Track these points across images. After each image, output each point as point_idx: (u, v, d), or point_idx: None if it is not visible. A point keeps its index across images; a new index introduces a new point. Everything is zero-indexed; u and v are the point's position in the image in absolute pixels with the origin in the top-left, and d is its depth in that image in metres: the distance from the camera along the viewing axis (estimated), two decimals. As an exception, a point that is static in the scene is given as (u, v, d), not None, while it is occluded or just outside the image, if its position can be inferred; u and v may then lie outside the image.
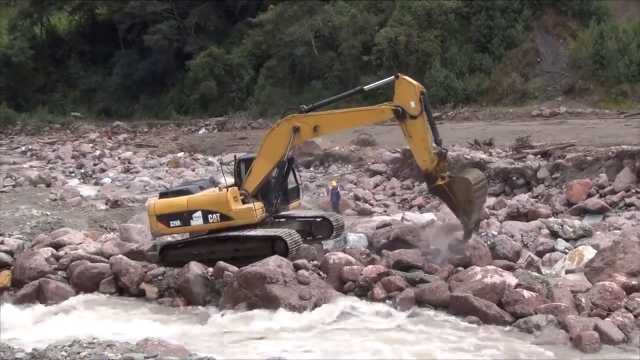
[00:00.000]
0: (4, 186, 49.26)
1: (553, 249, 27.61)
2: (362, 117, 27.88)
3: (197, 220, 26.25)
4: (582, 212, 33.25)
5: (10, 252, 28.61)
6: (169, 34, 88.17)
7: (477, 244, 25.18)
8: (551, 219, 30.84)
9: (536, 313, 20.66)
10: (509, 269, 23.80)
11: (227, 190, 26.31)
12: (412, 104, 24.67)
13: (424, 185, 41.70)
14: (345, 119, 27.47)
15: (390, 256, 24.77)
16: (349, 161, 51.95)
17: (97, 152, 70.29)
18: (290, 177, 27.85)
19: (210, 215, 26.16)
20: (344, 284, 23.78)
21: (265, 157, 26.48)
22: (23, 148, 78.03)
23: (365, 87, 27.72)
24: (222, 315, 23.21)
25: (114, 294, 25.94)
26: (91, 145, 75.37)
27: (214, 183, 28.37)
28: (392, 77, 25.69)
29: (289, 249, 25.01)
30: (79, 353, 14.31)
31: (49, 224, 32.60)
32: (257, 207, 26.12)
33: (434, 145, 24.98)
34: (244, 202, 26.26)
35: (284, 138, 26.18)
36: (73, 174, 61.34)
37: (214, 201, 26.35)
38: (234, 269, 24.31)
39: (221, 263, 24.74)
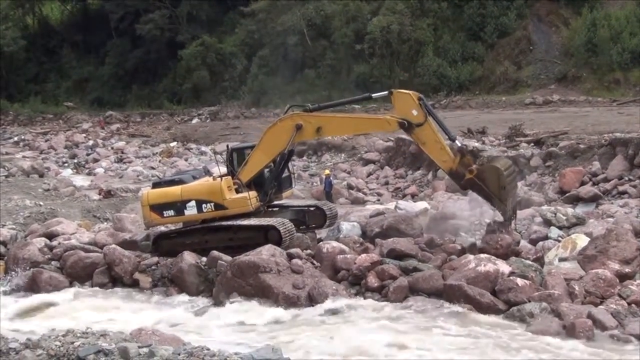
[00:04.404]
0: (-3, 176, 49.16)
1: (546, 237, 27.60)
2: (368, 125, 28.24)
3: (191, 210, 26.25)
4: (575, 200, 33.29)
5: (3, 243, 28.65)
6: (161, 24, 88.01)
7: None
8: (544, 207, 30.81)
9: (529, 301, 20.67)
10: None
11: (221, 179, 26.33)
12: (414, 112, 24.80)
13: (417, 173, 41.99)
14: (350, 124, 27.83)
15: (383, 245, 24.77)
16: (342, 150, 51.97)
17: (90, 142, 70.23)
18: (283, 166, 27.91)
19: (204, 205, 26.16)
20: (338, 273, 23.77)
21: (263, 151, 26.43)
22: (16, 138, 77.86)
23: (373, 95, 27.58)
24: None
25: (108, 284, 25.92)
26: (84, 135, 75.27)
27: (208, 172, 28.36)
28: (386, 92, 25.88)
29: (283, 238, 25.04)
30: (72, 343, 14.29)
31: (42, 214, 32.57)
32: (251, 196, 26.14)
33: (451, 143, 25.16)
34: (237, 191, 26.27)
35: (286, 134, 26.10)
36: (66, 164, 61.26)
37: (208, 190, 26.35)
38: (228, 258, 24.29)
39: (215, 252, 24.74)
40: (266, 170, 27.03)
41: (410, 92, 25.43)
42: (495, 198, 24.64)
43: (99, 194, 40.78)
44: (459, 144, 25.26)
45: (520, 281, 21.22)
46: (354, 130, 29.62)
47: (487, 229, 25.37)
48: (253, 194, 26.32)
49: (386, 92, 26.01)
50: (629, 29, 65.06)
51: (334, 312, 21.82)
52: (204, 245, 25.77)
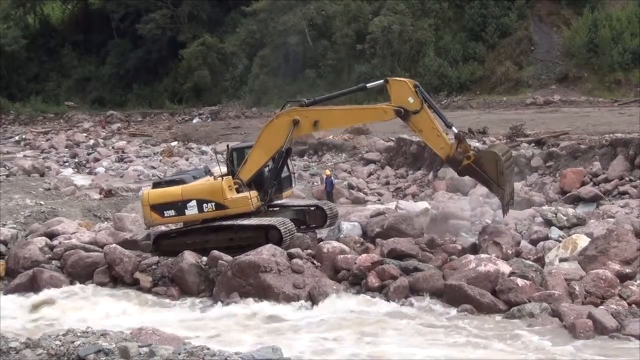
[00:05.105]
0: (-2, 175, 49.11)
1: (547, 238, 27.56)
2: (364, 115, 28.29)
3: (191, 210, 26.24)
4: (576, 201, 33.24)
5: (4, 242, 28.59)
6: (162, 23, 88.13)
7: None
8: (545, 208, 30.79)
9: (530, 301, 20.70)
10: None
11: (222, 179, 26.32)
12: (411, 100, 24.86)
13: (418, 173, 41.94)
14: (346, 116, 27.79)
15: (384, 245, 24.79)
16: (342, 150, 51.94)
17: (91, 142, 70.18)
18: (283, 166, 27.89)
19: (205, 205, 26.15)
20: (338, 273, 23.79)
21: (262, 148, 26.43)
22: (16, 137, 77.87)
23: (367, 85, 27.60)
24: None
25: (108, 283, 25.92)
26: (85, 134, 75.26)
27: (208, 172, 28.35)
28: (381, 81, 25.91)
29: (283, 238, 25.03)
30: (73, 342, 14.27)
31: (43, 214, 32.50)
32: (252, 196, 26.14)
33: (448, 129, 25.22)
34: (238, 190, 26.27)
35: (283, 130, 26.12)
36: (67, 164, 61.18)
37: (209, 190, 26.35)
38: (228, 258, 24.29)
39: (215, 252, 24.74)
40: (266, 169, 27.01)
41: (406, 79, 25.48)
42: (494, 183, 24.74)
43: (100, 194, 40.73)
44: (456, 130, 25.25)
45: (520, 281, 21.24)
46: (350, 121, 29.46)
47: (478, 236, 25.46)
48: (254, 193, 26.31)
49: (381, 81, 26.07)
50: (630, 30, 65.03)
51: (333, 312, 21.84)
52: (204, 245, 25.77)
